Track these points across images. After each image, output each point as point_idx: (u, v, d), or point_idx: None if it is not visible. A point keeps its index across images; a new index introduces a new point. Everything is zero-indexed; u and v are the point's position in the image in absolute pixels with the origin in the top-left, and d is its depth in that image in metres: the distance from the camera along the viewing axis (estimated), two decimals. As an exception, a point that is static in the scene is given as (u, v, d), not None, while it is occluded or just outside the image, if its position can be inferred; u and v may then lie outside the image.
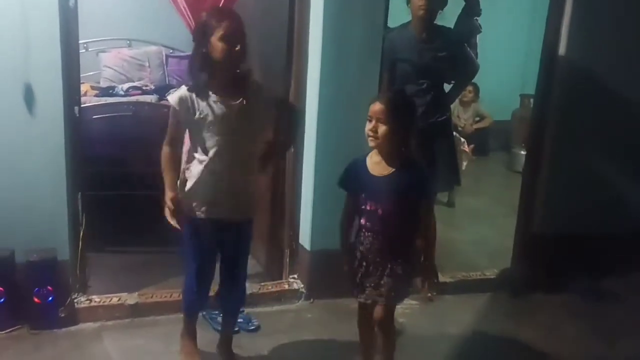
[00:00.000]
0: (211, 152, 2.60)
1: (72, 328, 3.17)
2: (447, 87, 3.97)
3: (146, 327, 3.24)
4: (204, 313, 3.33)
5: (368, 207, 2.56)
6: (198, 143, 2.62)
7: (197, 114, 2.57)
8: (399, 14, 3.71)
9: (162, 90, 5.18)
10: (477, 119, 7.24)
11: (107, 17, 5.67)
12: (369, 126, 2.48)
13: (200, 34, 2.55)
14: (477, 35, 4.20)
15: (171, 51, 6.13)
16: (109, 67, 5.77)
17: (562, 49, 3.82)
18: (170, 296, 3.40)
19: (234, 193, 2.66)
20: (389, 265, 2.57)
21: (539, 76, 3.97)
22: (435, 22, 3.67)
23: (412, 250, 2.60)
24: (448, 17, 3.80)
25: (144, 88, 5.34)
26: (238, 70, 2.59)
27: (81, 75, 3.36)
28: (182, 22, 3.43)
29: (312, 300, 3.60)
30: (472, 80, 4.92)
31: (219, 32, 2.48)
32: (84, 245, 3.30)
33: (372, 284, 2.61)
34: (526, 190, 4.08)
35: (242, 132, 2.62)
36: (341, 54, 3.38)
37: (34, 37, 2.97)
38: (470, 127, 7.08)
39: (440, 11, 3.66)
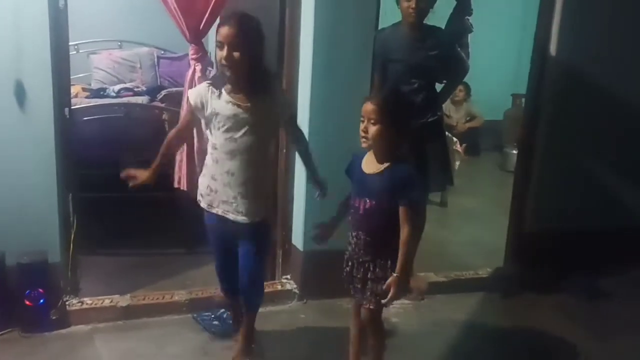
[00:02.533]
0: (218, 150, 2.64)
1: (64, 331, 3.16)
2: (438, 87, 3.97)
3: (138, 329, 3.22)
4: (194, 315, 3.32)
5: (354, 203, 2.58)
6: (210, 139, 2.68)
7: (209, 110, 2.61)
8: (391, 14, 3.71)
9: (154, 91, 5.16)
10: (468, 118, 7.26)
11: (98, 19, 5.66)
12: (361, 126, 2.48)
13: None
14: (469, 35, 4.21)
15: (163, 52, 6.12)
16: (99, 69, 5.76)
17: (552, 49, 3.84)
18: (162, 298, 3.39)
19: (238, 193, 2.66)
20: (371, 267, 2.55)
21: (530, 76, 3.99)
22: (425, 22, 3.66)
23: (396, 254, 2.49)
24: (439, 17, 3.80)
25: (135, 89, 5.33)
26: (248, 75, 2.57)
27: (72, 77, 3.35)
28: (173, 23, 3.42)
29: (305, 300, 3.59)
30: (463, 80, 4.92)
31: (217, 37, 2.52)
32: (75, 247, 3.28)
33: (358, 285, 2.61)
34: (518, 189, 4.09)
35: (249, 134, 2.61)
36: (333, 55, 3.37)
37: (24, 38, 2.96)
38: (462, 126, 7.10)
39: (431, 9, 3.64)
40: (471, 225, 5.08)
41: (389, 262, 2.53)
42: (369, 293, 2.58)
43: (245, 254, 2.76)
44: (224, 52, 2.49)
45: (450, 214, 5.33)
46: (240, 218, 2.69)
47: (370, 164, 2.55)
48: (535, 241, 3.97)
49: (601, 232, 3.95)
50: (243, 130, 2.60)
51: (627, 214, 4.18)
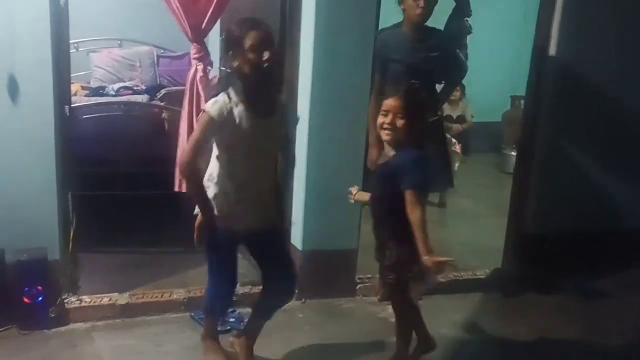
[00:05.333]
0: (245, 165, 2.59)
1: (63, 328, 3.16)
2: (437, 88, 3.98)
3: (137, 327, 3.23)
4: (192, 314, 3.32)
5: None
6: (230, 155, 2.58)
7: (234, 125, 2.51)
8: (391, 15, 3.73)
9: (153, 90, 5.18)
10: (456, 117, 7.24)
11: (98, 17, 5.66)
12: (384, 120, 2.54)
13: (233, 45, 2.52)
14: (467, 36, 4.22)
15: (162, 51, 6.13)
16: (99, 67, 5.76)
17: (552, 50, 3.84)
18: (161, 296, 3.39)
19: (264, 204, 2.70)
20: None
21: (529, 77, 3.99)
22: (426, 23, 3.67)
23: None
24: (439, 18, 3.81)
25: (134, 88, 5.34)
26: (270, 84, 2.61)
27: (72, 75, 3.35)
28: (174, 22, 3.42)
29: (303, 300, 3.59)
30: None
31: (247, 43, 2.46)
32: (75, 245, 3.28)
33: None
34: (517, 190, 4.10)
35: (271, 146, 2.68)
36: (333, 55, 3.37)
37: (24, 36, 2.96)
38: (457, 127, 7.09)
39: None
40: (469, 226, 5.08)
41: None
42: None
43: (281, 258, 2.83)
44: (265, 55, 2.46)
45: (449, 215, 5.34)
46: (265, 226, 2.71)
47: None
48: (534, 242, 3.97)
49: (599, 233, 3.95)
50: (263, 143, 2.60)
51: (625, 215, 4.19)
